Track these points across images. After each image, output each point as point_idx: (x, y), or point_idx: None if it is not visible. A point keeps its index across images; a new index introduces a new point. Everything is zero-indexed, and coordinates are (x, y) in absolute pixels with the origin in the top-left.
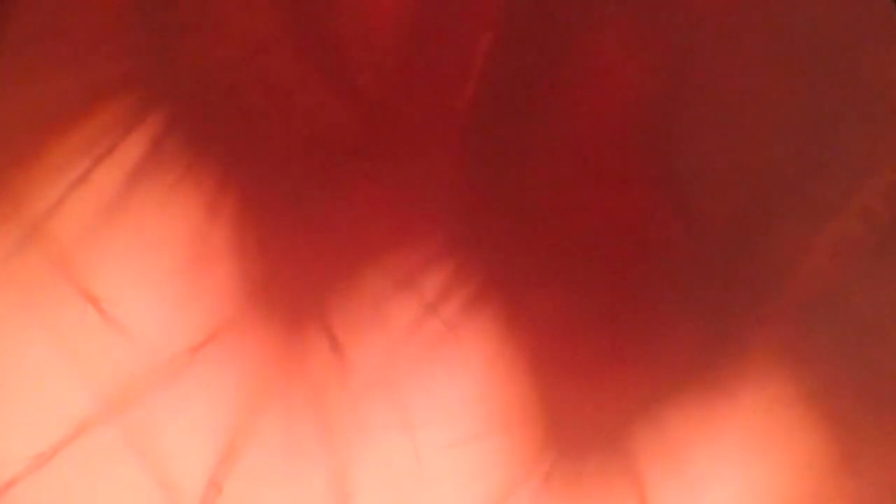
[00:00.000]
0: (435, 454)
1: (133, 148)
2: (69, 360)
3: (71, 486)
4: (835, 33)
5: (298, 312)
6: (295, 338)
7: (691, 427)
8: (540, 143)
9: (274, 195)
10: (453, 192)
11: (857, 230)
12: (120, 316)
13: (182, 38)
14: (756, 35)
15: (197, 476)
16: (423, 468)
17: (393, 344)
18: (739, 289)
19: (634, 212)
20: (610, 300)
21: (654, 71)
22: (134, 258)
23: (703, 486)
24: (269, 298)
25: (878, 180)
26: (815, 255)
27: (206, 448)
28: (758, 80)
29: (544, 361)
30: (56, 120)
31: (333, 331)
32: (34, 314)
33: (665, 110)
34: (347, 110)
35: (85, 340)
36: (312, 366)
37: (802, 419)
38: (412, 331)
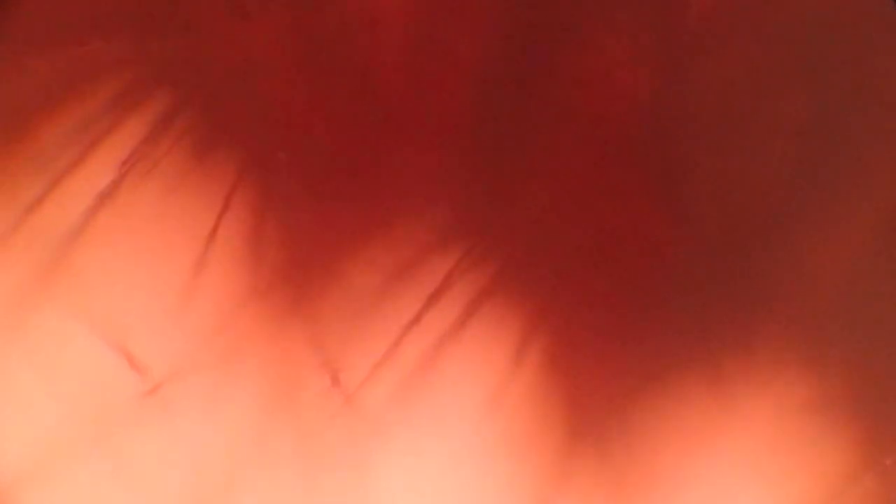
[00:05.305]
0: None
1: (130, 131)
2: (52, 378)
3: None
4: (840, 38)
5: (292, 331)
6: (290, 364)
7: (694, 437)
8: (538, 145)
9: (285, 189)
10: (453, 191)
11: (861, 233)
12: (111, 331)
13: (184, 19)
14: (757, 40)
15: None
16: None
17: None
18: (740, 292)
19: (633, 214)
20: (610, 302)
21: (653, 75)
22: (129, 263)
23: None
24: (266, 306)
25: (881, 181)
26: (818, 260)
27: (191, 476)
28: (758, 86)
29: (543, 365)
30: (51, 101)
31: (331, 355)
32: (18, 323)
33: (665, 114)
34: (349, 110)
35: (68, 359)
36: (308, 394)
37: (812, 427)
38: (413, 327)
